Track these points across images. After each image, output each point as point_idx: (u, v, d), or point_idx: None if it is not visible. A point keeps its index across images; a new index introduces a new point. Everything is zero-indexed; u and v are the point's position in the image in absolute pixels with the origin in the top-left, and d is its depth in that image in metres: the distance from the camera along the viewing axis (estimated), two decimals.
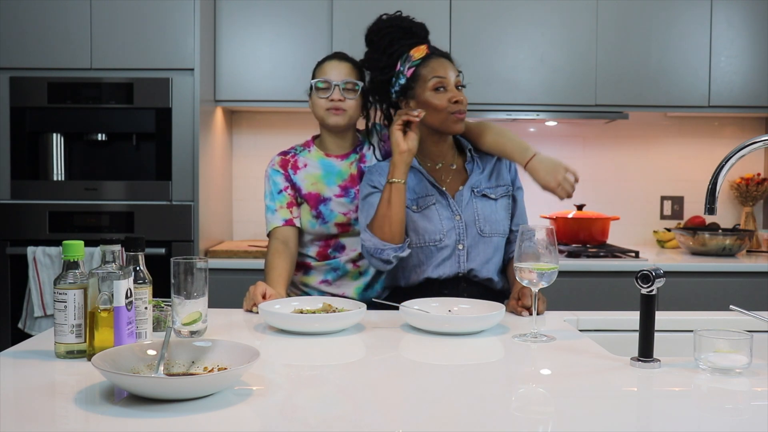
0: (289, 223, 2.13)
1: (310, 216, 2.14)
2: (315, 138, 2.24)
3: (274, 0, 3.28)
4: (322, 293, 2.15)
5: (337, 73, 2.11)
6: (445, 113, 1.96)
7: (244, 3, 3.28)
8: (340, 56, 2.18)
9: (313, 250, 2.16)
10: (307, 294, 2.18)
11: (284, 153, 2.21)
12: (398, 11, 2.09)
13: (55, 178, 3.13)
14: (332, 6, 3.26)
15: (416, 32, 2.05)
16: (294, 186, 2.16)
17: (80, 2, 3.02)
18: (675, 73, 3.35)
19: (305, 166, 2.17)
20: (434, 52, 2.00)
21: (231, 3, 3.27)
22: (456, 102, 1.95)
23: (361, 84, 2.12)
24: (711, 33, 3.35)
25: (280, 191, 2.15)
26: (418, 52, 2.00)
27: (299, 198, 2.16)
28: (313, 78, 2.17)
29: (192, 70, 3.04)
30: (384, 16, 2.10)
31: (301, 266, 2.18)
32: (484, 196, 2.02)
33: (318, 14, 3.27)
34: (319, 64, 2.18)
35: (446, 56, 2.02)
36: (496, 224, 2.01)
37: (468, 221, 1.99)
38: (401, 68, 2.00)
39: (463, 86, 2.01)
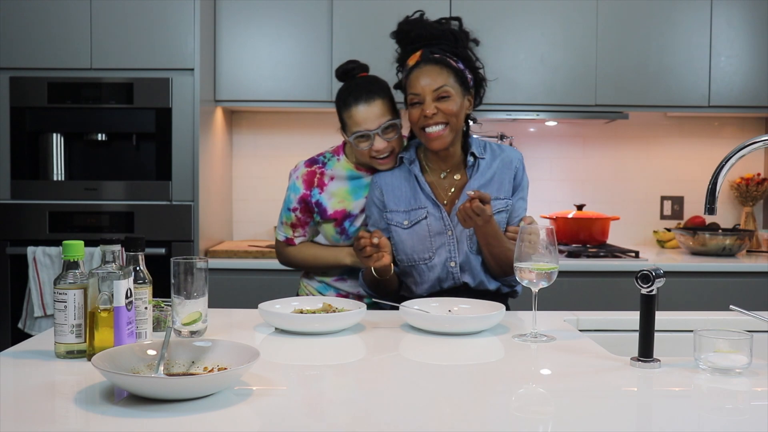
0: (289, 242, 2.14)
1: (334, 232, 2.09)
2: (346, 143, 2.11)
3: (274, 0, 3.28)
4: (337, 290, 2.14)
5: (371, 119, 1.93)
6: (417, 128, 1.90)
7: (244, 3, 3.28)
8: (365, 94, 1.95)
9: None
10: (323, 287, 2.16)
11: (311, 162, 2.10)
12: (419, 11, 1.99)
13: (55, 178, 3.13)
14: (332, 6, 3.26)
15: (420, 35, 1.93)
16: (312, 208, 2.08)
17: (80, 2, 3.02)
18: (675, 73, 3.35)
19: (332, 179, 2.07)
20: (424, 59, 1.89)
21: (231, 3, 3.27)
22: (426, 116, 1.85)
23: (398, 120, 1.97)
24: (711, 33, 3.35)
25: (289, 209, 2.10)
26: (412, 60, 1.92)
27: (321, 219, 2.08)
28: (341, 122, 2.01)
29: (192, 70, 3.04)
30: (404, 19, 2.01)
31: None
32: None
33: (318, 14, 3.27)
34: (345, 106, 1.97)
35: (437, 61, 1.88)
36: None
37: (460, 237, 1.92)
38: (401, 77, 1.97)
39: (472, 89, 1.94)
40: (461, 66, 1.92)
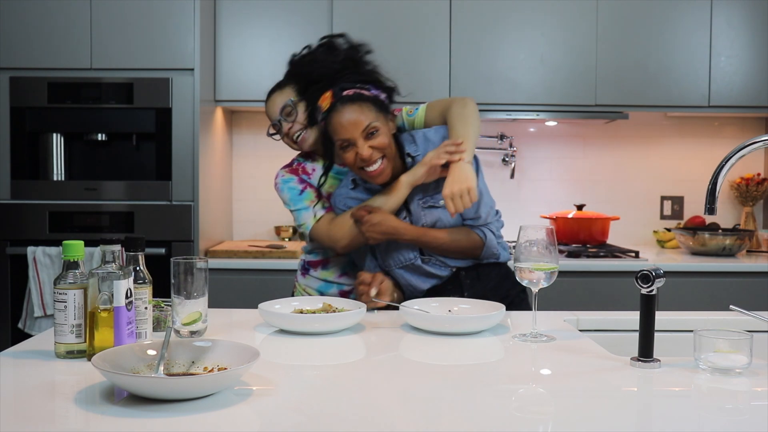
0: (330, 210, 2.05)
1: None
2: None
3: (274, 0, 3.28)
4: (340, 286, 2.13)
5: (273, 109, 2.07)
6: (355, 169, 1.86)
7: (244, 3, 3.28)
8: (271, 92, 2.10)
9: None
10: (325, 286, 2.15)
11: (288, 165, 2.14)
12: (307, 46, 1.99)
13: (55, 178, 3.13)
14: (332, 6, 3.26)
15: (322, 74, 1.91)
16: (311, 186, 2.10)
17: (80, 2, 3.02)
18: (675, 73, 3.35)
19: (314, 170, 2.11)
20: (338, 99, 1.82)
21: (231, 3, 3.27)
22: (363, 159, 1.81)
23: (292, 99, 2.03)
24: (711, 33, 3.35)
25: (302, 192, 2.07)
26: (324, 102, 1.85)
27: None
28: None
29: (192, 70, 3.04)
30: (295, 57, 2.01)
31: (319, 261, 2.17)
32: (432, 206, 1.92)
33: (318, 14, 3.27)
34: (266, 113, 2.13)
35: (353, 99, 1.82)
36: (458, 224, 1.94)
37: None
38: (319, 118, 1.91)
39: (403, 114, 1.93)
40: (374, 92, 1.86)
